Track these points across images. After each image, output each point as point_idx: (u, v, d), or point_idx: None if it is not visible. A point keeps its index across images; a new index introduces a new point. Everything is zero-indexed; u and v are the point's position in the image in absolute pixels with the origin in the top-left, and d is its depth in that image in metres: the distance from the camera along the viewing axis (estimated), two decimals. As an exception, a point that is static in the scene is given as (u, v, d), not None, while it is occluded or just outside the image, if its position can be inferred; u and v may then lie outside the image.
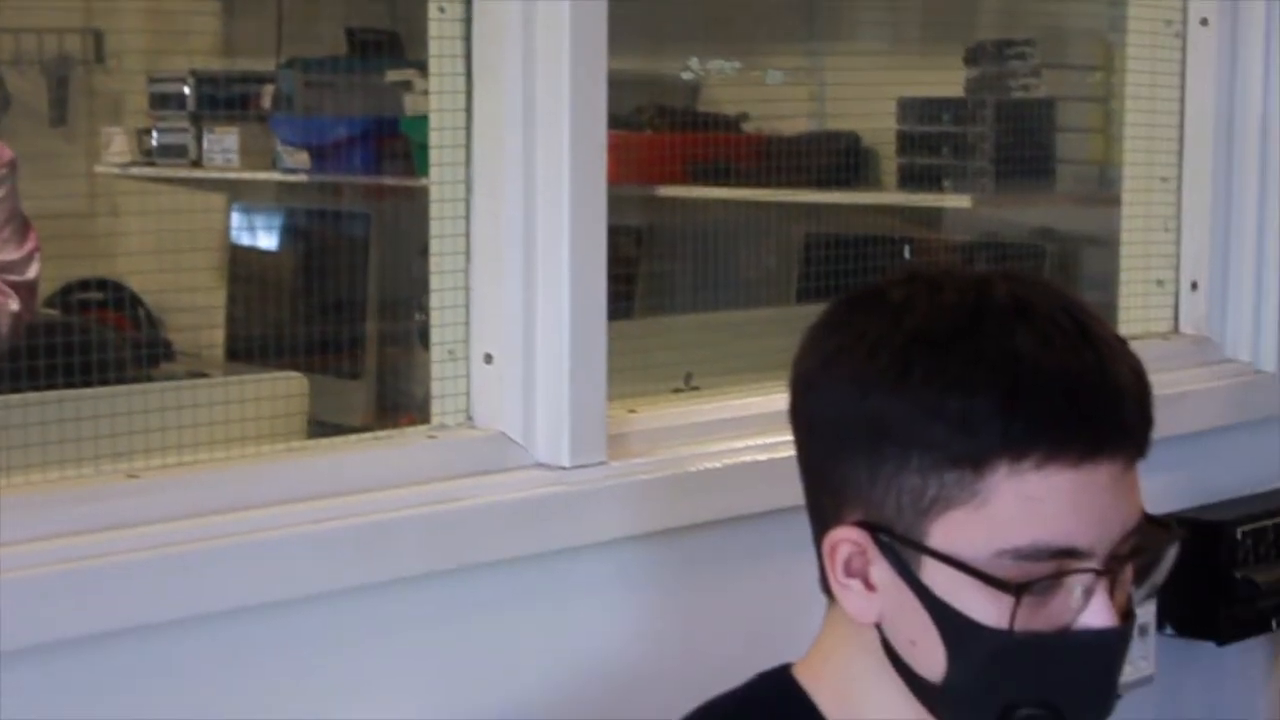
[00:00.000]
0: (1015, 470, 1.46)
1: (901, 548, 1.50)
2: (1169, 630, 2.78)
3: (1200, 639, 2.80)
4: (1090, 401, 1.47)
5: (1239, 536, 2.77)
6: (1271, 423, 2.96)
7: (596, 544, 2.05)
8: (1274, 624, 2.86)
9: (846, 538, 1.53)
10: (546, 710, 2.03)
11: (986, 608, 1.47)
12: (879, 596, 1.53)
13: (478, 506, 1.95)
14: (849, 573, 1.54)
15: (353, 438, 2.00)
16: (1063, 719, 1.50)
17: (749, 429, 2.23)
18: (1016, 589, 1.46)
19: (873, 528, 1.51)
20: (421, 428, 2.05)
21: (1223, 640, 2.80)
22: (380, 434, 2.04)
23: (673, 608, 2.14)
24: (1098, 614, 1.48)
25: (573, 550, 2.03)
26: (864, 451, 1.50)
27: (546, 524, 2.00)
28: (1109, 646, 1.50)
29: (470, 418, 2.07)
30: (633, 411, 2.20)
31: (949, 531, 1.48)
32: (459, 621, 1.96)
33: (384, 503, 1.90)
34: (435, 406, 2.06)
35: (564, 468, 2.03)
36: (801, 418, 1.57)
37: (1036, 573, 1.46)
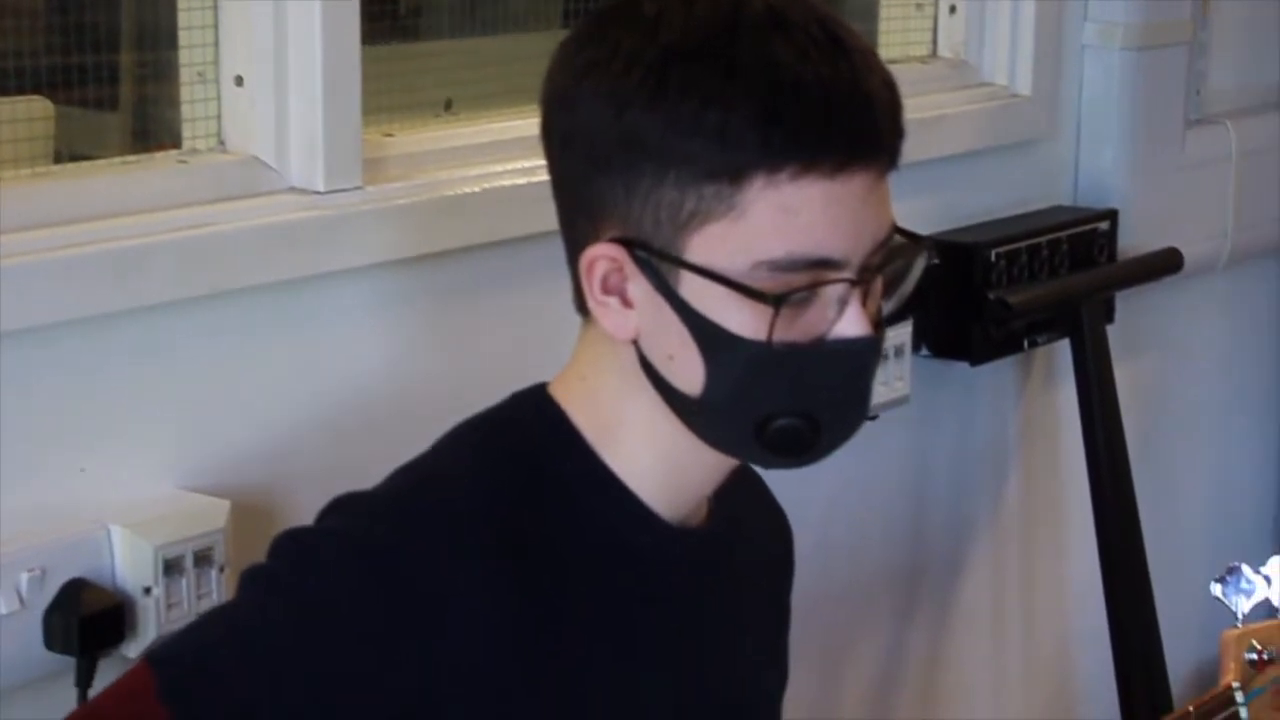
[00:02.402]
0: (772, 182, 1.46)
1: (659, 263, 1.50)
2: (924, 351, 2.83)
3: (954, 359, 2.86)
4: (845, 112, 1.47)
5: (993, 258, 2.82)
6: (1027, 145, 3.00)
7: (353, 269, 2.04)
8: (1025, 344, 2.93)
9: (603, 254, 1.52)
10: (304, 435, 2.02)
11: (744, 320, 1.49)
12: (636, 313, 1.53)
13: (230, 232, 1.93)
14: (606, 290, 1.53)
15: (101, 162, 1.96)
16: (818, 427, 1.53)
17: (508, 153, 2.21)
18: (775, 300, 1.47)
19: (630, 244, 1.51)
20: (171, 152, 2.01)
21: (976, 360, 2.86)
22: (129, 159, 1.99)
23: (430, 332, 2.14)
24: (851, 323, 1.50)
25: (329, 276, 2.01)
26: (620, 168, 1.49)
27: (301, 249, 1.98)
28: (862, 355, 1.53)
29: (222, 142, 2.03)
30: (389, 135, 2.17)
31: (707, 245, 1.48)
32: (213, 348, 1.94)
33: (134, 228, 1.87)
34: (185, 130, 2.02)
35: (318, 192, 2.01)
36: (554, 135, 1.55)
37: (793, 284, 1.48)
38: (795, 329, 1.49)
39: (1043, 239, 2.91)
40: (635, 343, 1.54)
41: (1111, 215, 3.05)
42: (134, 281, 1.84)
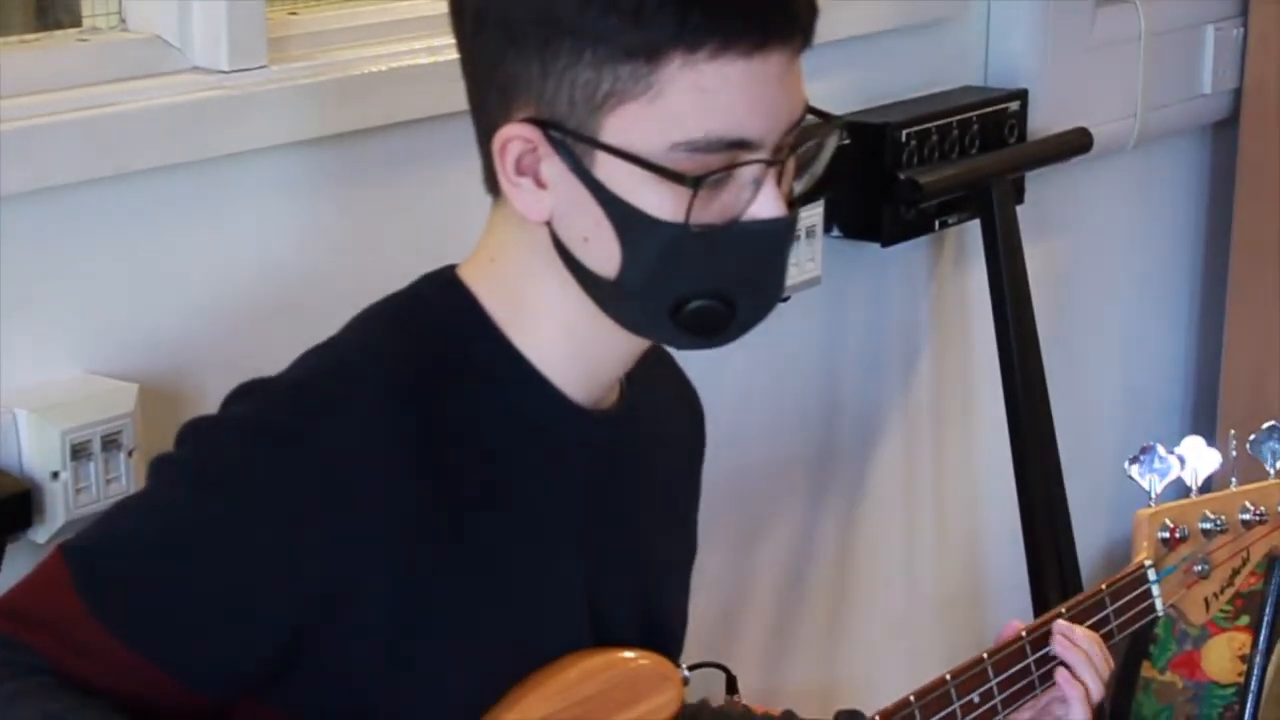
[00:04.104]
0: (689, 62, 1.46)
1: (574, 143, 1.49)
2: (835, 232, 2.82)
3: (865, 240, 2.85)
4: None
5: (903, 139, 2.81)
6: (937, 25, 2.99)
7: (259, 150, 2.01)
8: (936, 225, 2.93)
9: (517, 135, 1.51)
10: (211, 318, 2.00)
11: (661, 202, 1.48)
12: (549, 194, 1.52)
13: (133, 111, 1.90)
14: (519, 171, 1.52)
15: (-1, 41, 1.93)
16: (733, 308, 1.54)
17: (414, 31, 2.19)
18: (694, 182, 1.47)
19: (544, 124, 1.49)
20: (72, 31, 1.98)
21: (886, 241, 2.85)
22: (29, 38, 1.96)
23: (338, 213, 2.12)
24: (767, 204, 1.50)
25: (234, 156, 1.99)
26: (535, 46, 1.48)
27: (206, 129, 1.95)
28: (778, 235, 1.53)
29: (123, 20, 2.00)
30: (294, 14, 2.14)
31: (623, 126, 1.48)
32: (119, 231, 1.92)
33: (34, 108, 1.83)
34: (85, 8, 1.99)
35: (223, 71, 1.98)
36: (467, 13, 1.54)
37: (710, 165, 1.48)
38: (710, 210, 1.49)
39: (953, 119, 2.91)
40: (548, 224, 1.53)
41: (1021, 95, 3.05)
42: (35, 162, 1.82)
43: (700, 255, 1.51)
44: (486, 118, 1.54)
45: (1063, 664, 1.85)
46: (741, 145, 1.49)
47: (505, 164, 1.52)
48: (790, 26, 1.50)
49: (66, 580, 1.49)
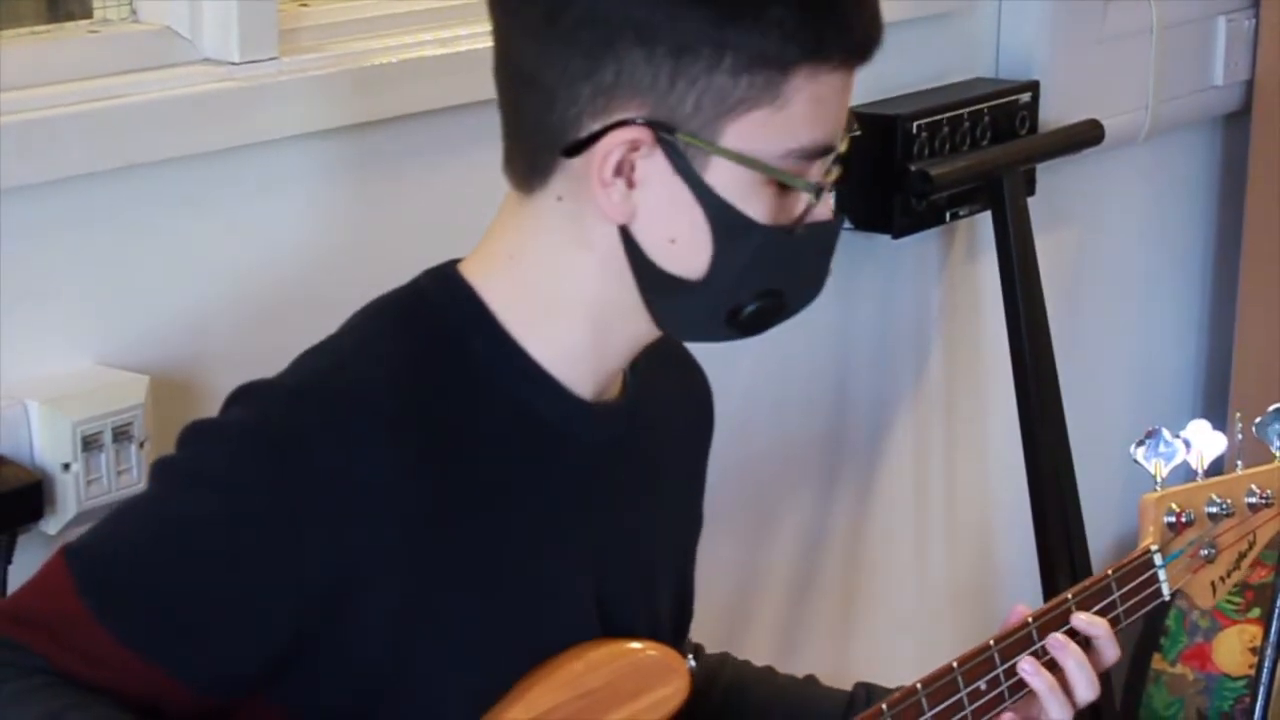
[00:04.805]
0: (814, 74, 1.51)
1: (686, 146, 1.51)
2: (846, 224, 2.81)
3: (876, 232, 2.85)
4: (865, 7, 1.55)
5: (914, 130, 2.81)
6: (948, 17, 2.99)
7: (269, 142, 2.01)
8: (947, 216, 2.93)
9: (626, 139, 1.51)
10: (222, 310, 2.01)
11: (768, 207, 1.53)
12: (638, 194, 1.53)
13: (144, 103, 1.90)
14: (617, 172, 1.53)
15: (8, 33, 1.92)
16: (784, 305, 1.59)
17: (425, 23, 2.19)
18: (816, 189, 1.53)
19: (659, 125, 1.51)
20: (82, 22, 1.98)
21: (897, 233, 2.85)
22: (40, 29, 1.96)
23: (349, 205, 2.12)
24: (828, 205, 1.57)
25: (244, 148, 1.99)
26: (669, 50, 1.49)
27: (216, 121, 1.95)
28: (836, 235, 1.60)
29: (134, 11, 2.01)
30: (305, 5, 2.15)
31: (746, 132, 1.51)
32: (129, 223, 1.92)
33: (44, 100, 1.84)
34: (96, 0, 1.99)
35: (233, 63, 1.98)
36: (566, 10, 1.51)
37: (806, 170, 1.54)
38: (785, 213, 1.55)
39: (964, 111, 2.90)
40: (622, 225, 1.54)
41: (1033, 87, 3.04)
42: (46, 154, 1.82)
43: (777, 257, 1.56)
44: (560, 114, 1.53)
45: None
46: (828, 152, 1.55)
47: (606, 165, 1.52)
48: (878, 39, 1.56)
49: (69, 585, 1.50)
